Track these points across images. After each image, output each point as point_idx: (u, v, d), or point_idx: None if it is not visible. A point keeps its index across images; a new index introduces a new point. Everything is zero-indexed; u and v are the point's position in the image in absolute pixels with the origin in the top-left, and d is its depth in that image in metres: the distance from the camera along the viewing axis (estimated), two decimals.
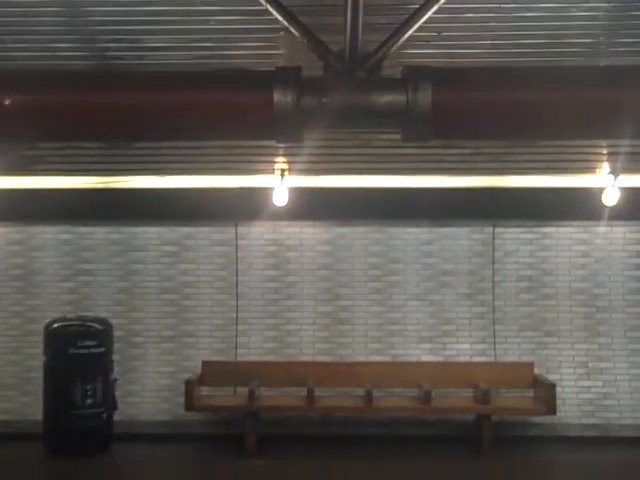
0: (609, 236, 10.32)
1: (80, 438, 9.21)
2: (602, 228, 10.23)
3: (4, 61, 7.26)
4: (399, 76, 5.93)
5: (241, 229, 10.48)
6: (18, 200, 9.99)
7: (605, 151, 9.17)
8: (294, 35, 6.01)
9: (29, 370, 10.23)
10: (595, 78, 6.07)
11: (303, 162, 9.17)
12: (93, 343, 9.39)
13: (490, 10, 6.89)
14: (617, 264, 10.33)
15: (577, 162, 9.44)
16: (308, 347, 10.40)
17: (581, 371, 10.27)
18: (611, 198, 9.58)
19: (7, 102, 5.71)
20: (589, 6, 6.88)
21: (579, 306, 10.34)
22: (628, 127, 5.93)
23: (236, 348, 10.39)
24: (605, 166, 9.45)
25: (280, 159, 9.46)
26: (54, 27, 7.09)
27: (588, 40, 7.27)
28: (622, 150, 8.89)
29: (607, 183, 9.54)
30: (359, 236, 10.49)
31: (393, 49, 5.92)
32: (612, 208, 9.71)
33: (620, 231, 10.31)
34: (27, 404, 10.21)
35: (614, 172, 9.43)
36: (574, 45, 7.30)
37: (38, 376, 9.69)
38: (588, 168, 9.54)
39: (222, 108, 5.85)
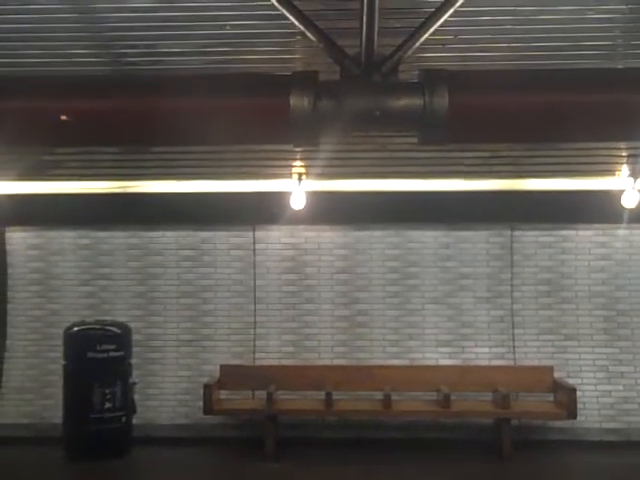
0: (629, 239, 10.26)
1: (99, 441, 9.25)
2: (622, 231, 10.18)
3: (16, 67, 7.30)
4: (415, 80, 5.90)
5: (259, 233, 10.51)
6: (37, 205, 10.07)
7: (624, 153, 9.10)
8: (310, 39, 5.99)
9: (49, 374, 10.30)
10: (613, 80, 6.02)
11: (320, 166, 9.17)
12: (112, 347, 9.44)
13: (506, 13, 6.86)
14: (637, 267, 10.26)
15: (596, 164, 9.38)
16: (326, 351, 10.40)
17: (601, 375, 10.20)
18: (631, 200, 9.51)
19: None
20: (606, 8, 6.82)
21: (599, 309, 10.27)
22: None
23: (254, 352, 10.41)
24: (625, 168, 9.38)
25: (297, 163, 9.47)
26: (69, 33, 7.12)
27: (606, 42, 7.23)
28: None
29: (627, 185, 9.48)
30: (376, 240, 10.48)
31: (409, 53, 5.89)
32: (632, 211, 9.64)
33: None
34: (47, 407, 10.28)
35: (634, 174, 9.37)
36: (591, 48, 7.26)
37: (58, 379, 9.74)
38: (607, 170, 9.48)
39: (239, 113, 5.84)
